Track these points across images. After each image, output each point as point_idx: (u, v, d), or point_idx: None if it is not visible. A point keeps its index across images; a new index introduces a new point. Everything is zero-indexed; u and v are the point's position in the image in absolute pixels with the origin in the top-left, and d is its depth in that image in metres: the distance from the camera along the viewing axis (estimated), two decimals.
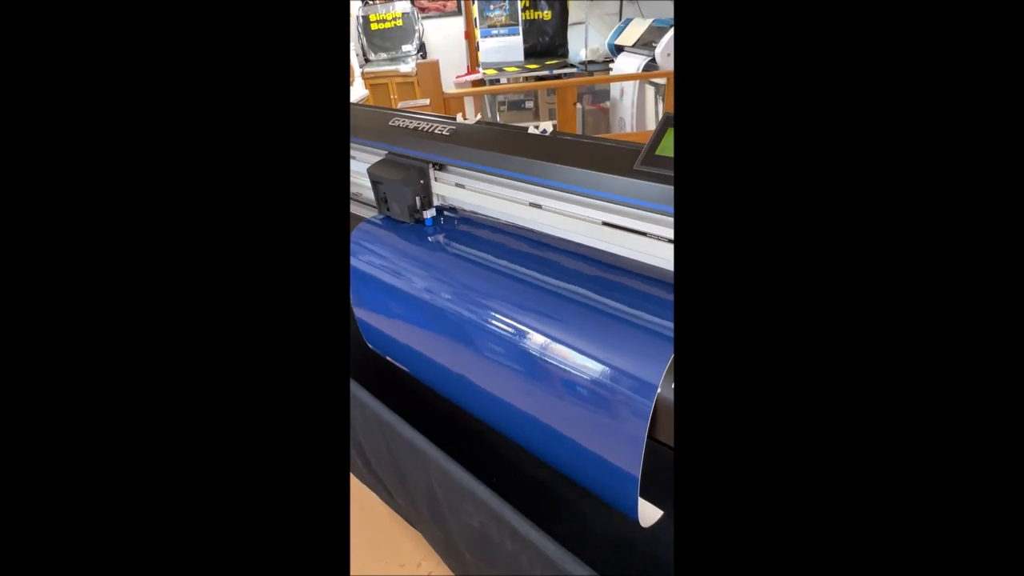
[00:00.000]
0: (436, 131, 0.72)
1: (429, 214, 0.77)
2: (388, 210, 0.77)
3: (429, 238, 0.75)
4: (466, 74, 3.35)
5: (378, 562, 1.15)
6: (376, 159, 0.79)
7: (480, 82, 3.21)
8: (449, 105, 2.20)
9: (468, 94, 2.70)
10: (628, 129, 2.92)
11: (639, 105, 2.94)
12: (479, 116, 0.74)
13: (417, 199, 0.75)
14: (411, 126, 0.76)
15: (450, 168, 0.74)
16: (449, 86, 2.54)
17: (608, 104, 3.31)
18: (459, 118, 0.75)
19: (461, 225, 0.77)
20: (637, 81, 2.87)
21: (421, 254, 0.72)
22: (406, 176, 0.73)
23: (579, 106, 3.15)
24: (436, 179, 0.76)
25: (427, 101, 2.10)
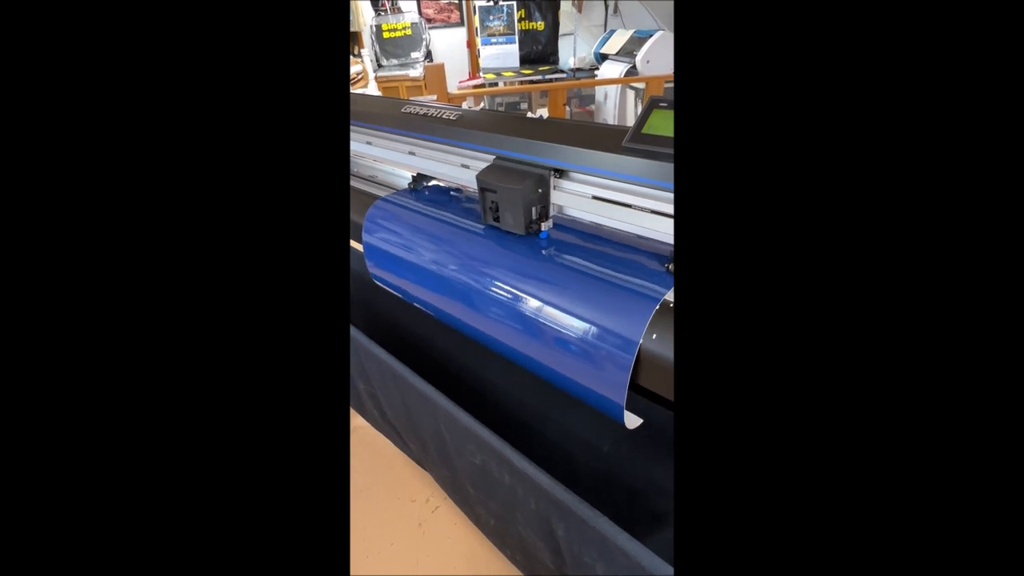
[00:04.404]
0: (444, 116, 0.69)
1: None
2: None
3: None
4: (468, 79, 3.27)
5: (392, 499, 1.15)
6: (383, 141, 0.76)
7: (481, 86, 3.13)
8: (453, 104, 2.14)
9: (470, 94, 2.63)
10: None
11: (620, 107, 2.88)
12: (483, 105, 0.71)
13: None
14: (421, 112, 0.72)
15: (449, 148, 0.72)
16: (453, 90, 2.47)
17: (593, 107, 3.24)
18: (464, 105, 0.72)
19: (462, 201, 0.75)
20: (619, 85, 2.81)
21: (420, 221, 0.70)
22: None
23: (568, 108, 3.08)
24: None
25: (434, 97, 2.03)
